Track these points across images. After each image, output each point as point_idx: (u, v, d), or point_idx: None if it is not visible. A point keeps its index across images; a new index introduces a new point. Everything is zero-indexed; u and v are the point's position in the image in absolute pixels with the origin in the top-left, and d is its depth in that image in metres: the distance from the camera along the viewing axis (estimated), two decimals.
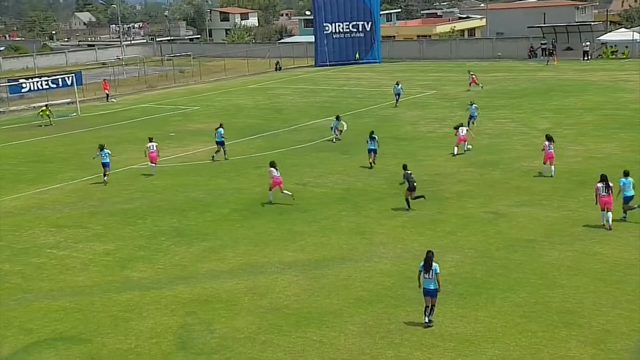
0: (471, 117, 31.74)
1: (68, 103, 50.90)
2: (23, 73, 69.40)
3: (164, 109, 46.94)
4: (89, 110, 47.95)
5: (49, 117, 42.55)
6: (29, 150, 34.59)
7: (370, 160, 27.40)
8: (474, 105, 33.07)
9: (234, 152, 31.46)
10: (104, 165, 26.76)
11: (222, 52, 79.86)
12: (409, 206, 21.74)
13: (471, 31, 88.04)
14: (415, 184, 21.83)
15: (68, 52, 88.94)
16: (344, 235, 19.89)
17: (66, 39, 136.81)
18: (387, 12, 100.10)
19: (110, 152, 27.07)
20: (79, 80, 49.50)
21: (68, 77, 49.03)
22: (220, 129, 29.71)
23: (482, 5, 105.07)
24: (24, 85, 48.12)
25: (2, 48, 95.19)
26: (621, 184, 19.55)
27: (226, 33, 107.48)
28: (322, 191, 24.46)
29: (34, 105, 49.96)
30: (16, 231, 21.52)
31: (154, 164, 27.96)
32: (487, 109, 39.70)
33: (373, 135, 27.74)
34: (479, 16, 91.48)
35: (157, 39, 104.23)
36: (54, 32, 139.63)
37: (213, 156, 29.94)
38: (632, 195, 19.50)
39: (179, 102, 50.10)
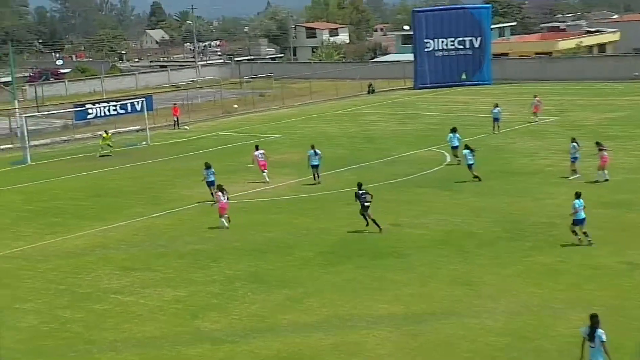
0: (574, 158, 30.93)
1: (137, 131, 52.87)
2: (90, 97, 72.58)
3: (242, 138, 48.04)
4: (159, 138, 49.65)
5: (109, 146, 44.16)
6: (94, 183, 36.12)
7: (475, 174, 30.31)
8: (574, 143, 31.26)
9: (319, 187, 31.82)
10: (209, 184, 29.45)
11: (308, 73, 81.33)
12: (366, 221, 24.63)
13: (602, 47, 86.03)
14: (367, 204, 24.52)
15: (138, 73, 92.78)
16: (446, 285, 19.67)
17: (137, 59, 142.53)
18: (499, 25, 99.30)
19: (215, 172, 29.78)
20: (149, 105, 51.35)
21: (138, 102, 50.84)
22: (313, 151, 32.13)
23: (616, 16, 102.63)
24: (90, 111, 49.78)
25: (68, 70, 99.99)
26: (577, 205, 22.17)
27: (313, 51, 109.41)
28: (421, 233, 24.31)
29: (100, 133, 52.10)
30: (78, 274, 22.44)
31: (265, 171, 33.28)
32: (622, 139, 38.53)
33: (471, 147, 30.54)
34: (612, 29, 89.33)
35: (236, 59, 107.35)
36: (123, 51, 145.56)
37: (318, 182, 32.28)
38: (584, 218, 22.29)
39: (259, 130, 51.17)
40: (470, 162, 30.69)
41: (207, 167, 29.92)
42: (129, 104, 50.91)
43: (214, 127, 54.51)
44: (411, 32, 75.35)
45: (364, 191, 24.90)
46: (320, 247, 23.51)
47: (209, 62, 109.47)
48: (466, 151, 30.96)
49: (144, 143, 47.72)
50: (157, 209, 29.75)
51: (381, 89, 71.47)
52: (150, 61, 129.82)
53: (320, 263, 21.98)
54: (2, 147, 48.63)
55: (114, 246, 25.00)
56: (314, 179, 32.60)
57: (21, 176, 38.73)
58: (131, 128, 53.79)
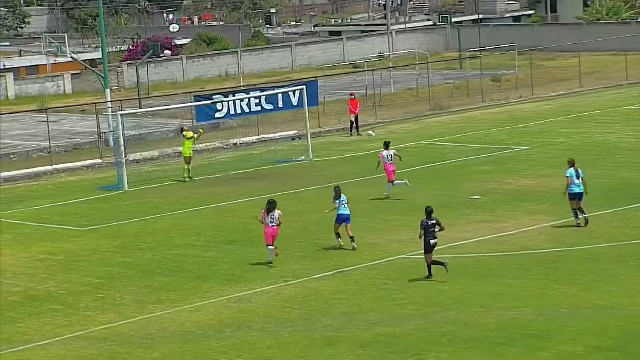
0: None
1: (292, 138, 54.09)
2: (218, 84, 74.79)
3: (461, 150, 48.23)
4: (327, 150, 50.71)
5: (188, 163, 45.11)
6: (226, 221, 37.19)
7: None
8: None
9: (596, 234, 31.28)
10: (342, 219, 31.68)
11: (575, 43, 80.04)
12: (429, 273, 27.97)
13: None
14: (433, 241, 27.66)
15: (295, 45, 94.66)
16: None
17: (293, 22, 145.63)
18: None
19: (346, 200, 31.73)
20: (312, 96, 52.30)
21: (294, 92, 51.65)
22: (574, 170, 32.27)
23: None
24: (219, 106, 50.86)
25: (186, 40, 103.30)
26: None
27: (585, 5, 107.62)
28: None
29: (234, 141, 53.63)
30: None
31: (393, 181, 37.99)
32: None
33: None
34: None
35: (453, 20, 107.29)
36: (272, 9, 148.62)
37: (579, 223, 32.43)
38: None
39: (490, 138, 51.06)
40: None
41: (337, 194, 31.49)
42: (279, 96, 51.75)
43: (415, 132, 54.85)
44: None
45: (434, 221, 27.86)
46: (597, 337, 22.96)
47: (407, 26, 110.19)
48: None
49: (303, 158, 48.86)
50: (321, 265, 30.18)
51: None
52: (315, 25, 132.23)
53: None
54: (85, 162, 51.14)
55: (254, 325, 25.42)
56: (577, 217, 32.54)
57: (114, 209, 40.51)
58: (283, 134, 55.18)
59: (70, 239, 35.78)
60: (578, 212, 32.40)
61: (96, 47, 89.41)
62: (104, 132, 53.63)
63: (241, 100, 51.54)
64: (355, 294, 27.41)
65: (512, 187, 39.10)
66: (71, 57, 65.44)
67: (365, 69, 72.63)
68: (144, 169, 48.17)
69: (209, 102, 51.43)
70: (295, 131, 54.08)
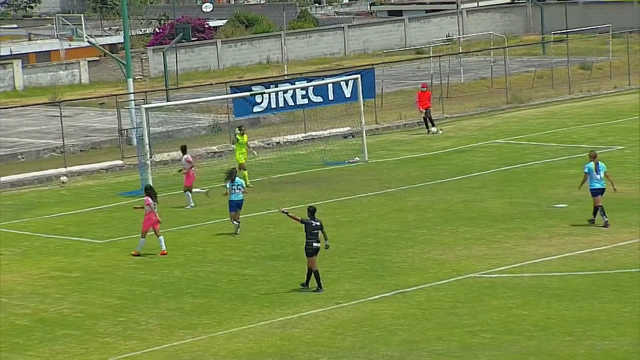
0: None
1: (344, 136, 54.11)
2: (259, 73, 74.78)
3: (543, 151, 48.16)
4: (385, 150, 50.72)
5: (244, 173, 44.22)
6: (266, 233, 37.28)
7: None
8: None
9: None
10: (234, 206, 35.99)
11: None
12: (307, 282, 29.79)
13: None
14: (317, 245, 29.42)
15: (348, 27, 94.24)
16: None
17: (346, 0, 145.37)
18: None
19: (245, 184, 35.56)
20: (368, 87, 52.28)
21: (346, 83, 51.75)
22: (592, 164, 33.32)
23: None
24: (259, 99, 50.71)
25: (221, 22, 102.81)
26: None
27: None
28: None
29: (277, 140, 53.55)
30: None
31: (191, 189, 41.23)
32: None
33: None
34: None
35: None
36: None
37: (607, 222, 32.55)
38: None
39: (578, 136, 50.86)
40: None
41: (230, 176, 35.14)
42: (330, 87, 51.79)
43: (489, 129, 54.70)
44: None
45: (318, 222, 29.67)
46: None
47: (482, 4, 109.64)
48: None
49: (357, 159, 48.88)
50: (379, 285, 30.14)
51: None
52: (371, 4, 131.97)
53: None
54: (104, 164, 51.32)
55: (300, 354, 25.39)
56: (604, 215, 33.74)
57: (136, 218, 40.50)
58: (334, 131, 55.16)
59: (87, 254, 35.93)
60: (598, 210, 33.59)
61: (117, 30, 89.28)
62: (126, 129, 53.67)
63: (285, 92, 51.59)
64: (419, 319, 27.33)
65: (605, 194, 38.81)
66: (88, 41, 65.42)
67: (431, 55, 72.20)
68: (172, 171, 48.13)
69: (247, 94, 51.32)
70: (348, 128, 54.01)
